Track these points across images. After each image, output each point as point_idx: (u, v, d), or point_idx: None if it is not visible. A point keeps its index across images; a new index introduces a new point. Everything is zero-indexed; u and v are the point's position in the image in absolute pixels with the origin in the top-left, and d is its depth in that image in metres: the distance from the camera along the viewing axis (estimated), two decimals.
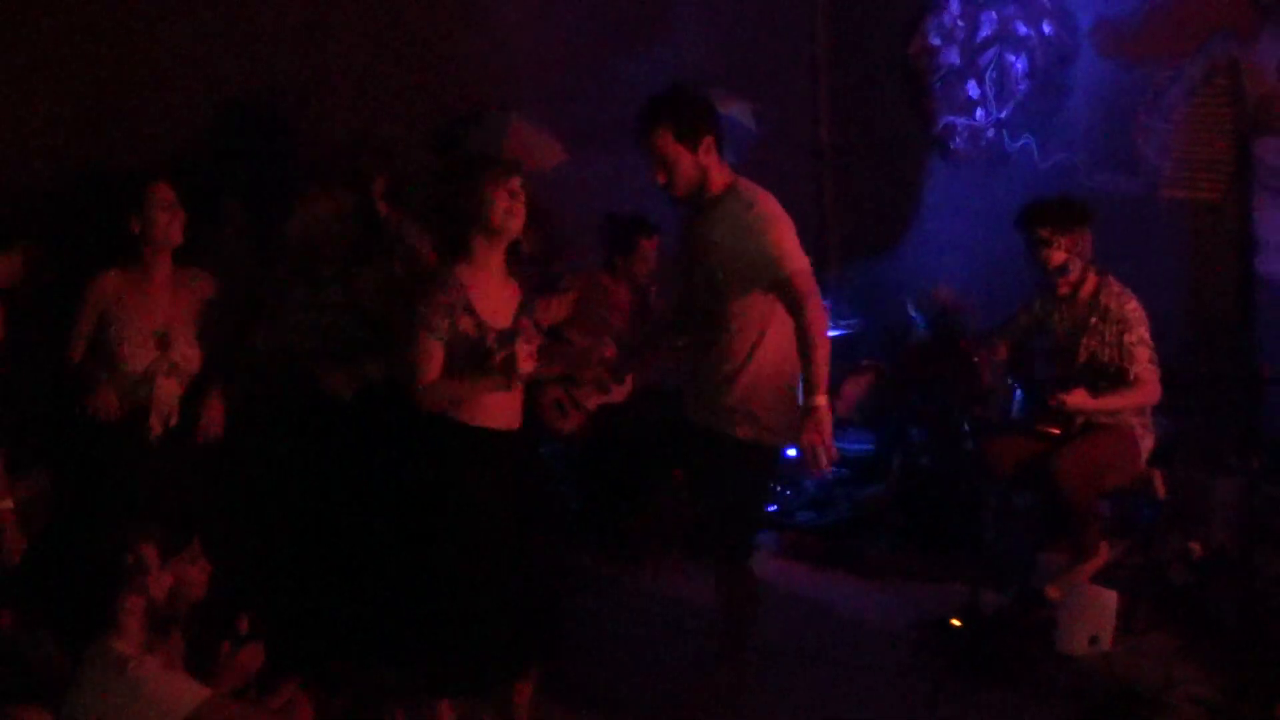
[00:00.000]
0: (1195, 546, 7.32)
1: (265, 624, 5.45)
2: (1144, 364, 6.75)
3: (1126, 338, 6.78)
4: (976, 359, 7.51)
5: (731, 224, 5.57)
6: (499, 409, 5.46)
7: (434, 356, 5.30)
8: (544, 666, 5.96)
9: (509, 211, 5.38)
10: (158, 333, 5.82)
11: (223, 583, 5.14)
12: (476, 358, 5.34)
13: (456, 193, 5.48)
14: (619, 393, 7.96)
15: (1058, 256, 6.87)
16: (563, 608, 6.13)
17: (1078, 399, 6.69)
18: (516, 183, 5.42)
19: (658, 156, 5.57)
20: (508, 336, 5.39)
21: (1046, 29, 9.58)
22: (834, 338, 9.59)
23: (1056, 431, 6.99)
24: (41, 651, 5.13)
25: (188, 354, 5.91)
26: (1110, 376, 6.70)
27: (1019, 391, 7.66)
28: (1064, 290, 6.99)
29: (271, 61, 7.37)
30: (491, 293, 5.46)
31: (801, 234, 5.64)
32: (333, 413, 6.01)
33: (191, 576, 4.99)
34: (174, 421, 5.92)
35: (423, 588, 5.60)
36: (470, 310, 5.34)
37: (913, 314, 9.02)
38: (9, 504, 5.40)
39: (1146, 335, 6.81)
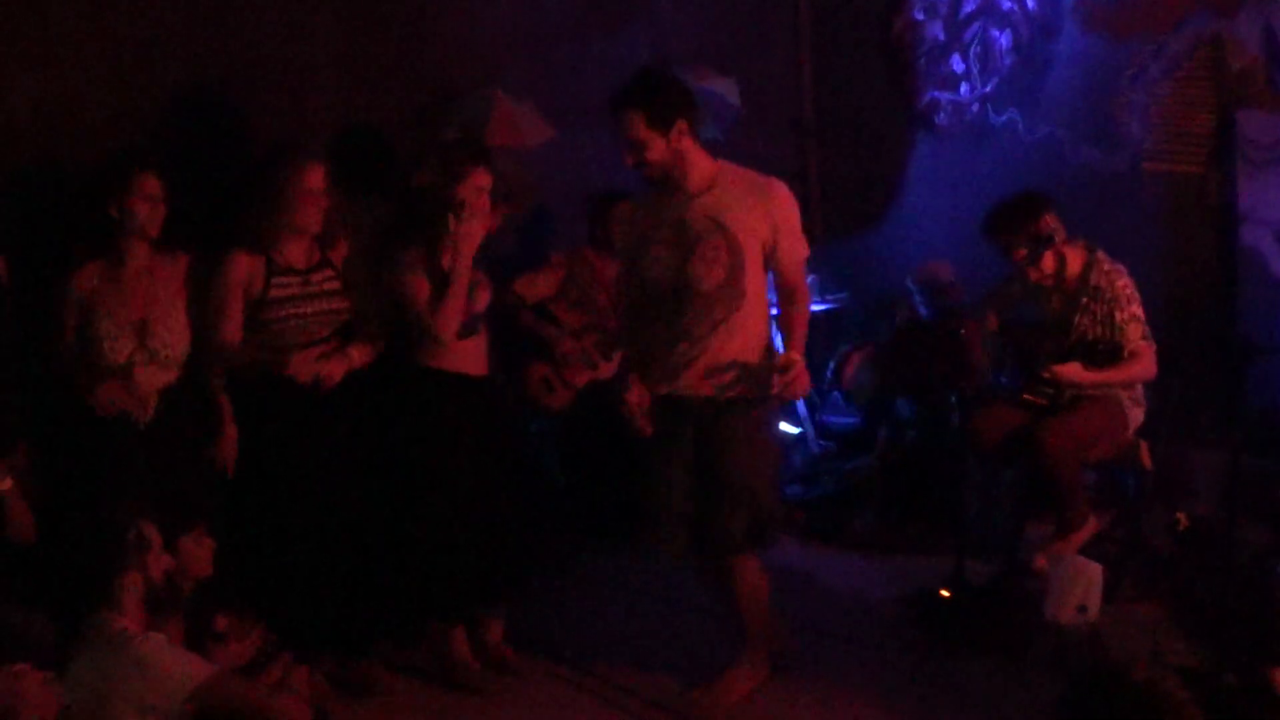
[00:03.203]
0: (1180, 518, 7.36)
1: (259, 600, 5.54)
2: (1137, 340, 6.77)
3: (1118, 315, 6.81)
4: (964, 331, 7.53)
5: (752, 204, 5.70)
6: (465, 354, 6.10)
7: (424, 290, 5.99)
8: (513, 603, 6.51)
9: (477, 208, 5.99)
10: (135, 323, 5.81)
11: (221, 562, 5.20)
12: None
13: (433, 186, 5.86)
14: (606, 369, 8.00)
15: (1023, 252, 6.92)
16: (529, 546, 6.35)
17: (1071, 372, 6.73)
18: (486, 177, 6.02)
19: (627, 140, 5.61)
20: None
21: (1030, 4, 9.58)
22: (819, 312, 9.74)
23: (1044, 403, 7.03)
24: (37, 630, 5.14)
25: (169, 340, 5.89)
26: (1103, 354, 6.72)
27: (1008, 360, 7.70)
28: (1048, 284, 7.03)
29: (252, 42, 7.34)
30: None
31: None
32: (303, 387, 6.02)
33: (197, 554, 5.05)
34: (149, 411, 5.90)
35: (404, 526, 6.15)
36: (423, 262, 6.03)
37: (911, 288, 9.02)
38: (8, 484, 5.40)
39: (1139, 311, 6.84)
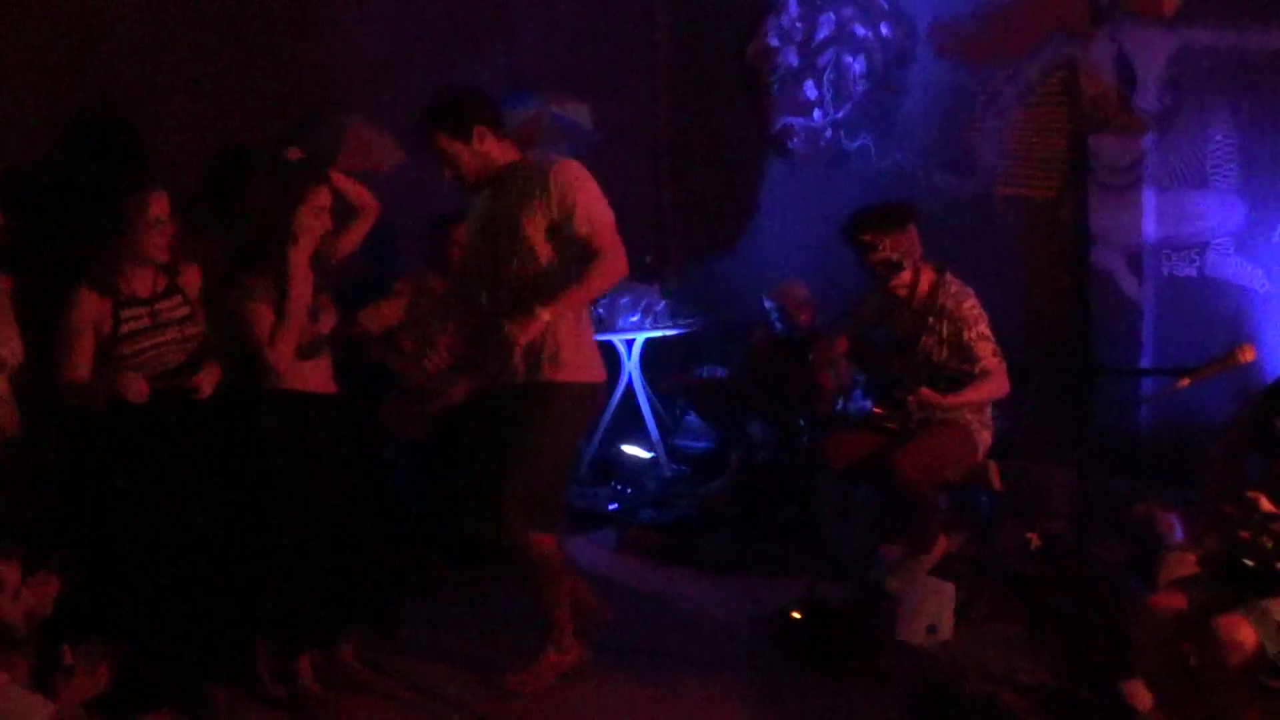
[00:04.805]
0: (1032, 537, 7.40)
1: (119, 640, 5.43)
2: (989, 357, 6.82)
3: (966, 335, 6.84)
4: (812, 354, 7.57)
5: (535, 193, 5.94)
6: (307, 376, 6.09)
7: (266, 320, 5.90)
8: (370, 625, 6.50)
9: (311, 229, 6.02)
10: None
11: (67, 598, 5.10)
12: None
13: (272, 206, 5.85)
14: (456, 394, 7.92)
15: (884, 257, 6.94)
16: (390, 570, 6.43)
17: (930, 396, 6.74)
18: (325, 197, 6.09)
19: (439, 158, 6.07)
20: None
21: (884, 30, 9.65)
22: (673, 336, 9.75)
23: (893, 426, 7.06)
24: None
25: (13, 349, 5.78)
26: (948, 380, 6.77)
27: (859, 381, 7.73)
28: (901, 293, 7.06)
29: (107, 67, 7.27)
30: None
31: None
32: (152, 411, 5.88)
33: (44, 593, 4.99)
34: (10, 421, 5.78)
35: (257, 550, 6.03)
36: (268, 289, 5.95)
37: (768, 305, 9.03)
38: None
39: (986, 330, 6.88)
